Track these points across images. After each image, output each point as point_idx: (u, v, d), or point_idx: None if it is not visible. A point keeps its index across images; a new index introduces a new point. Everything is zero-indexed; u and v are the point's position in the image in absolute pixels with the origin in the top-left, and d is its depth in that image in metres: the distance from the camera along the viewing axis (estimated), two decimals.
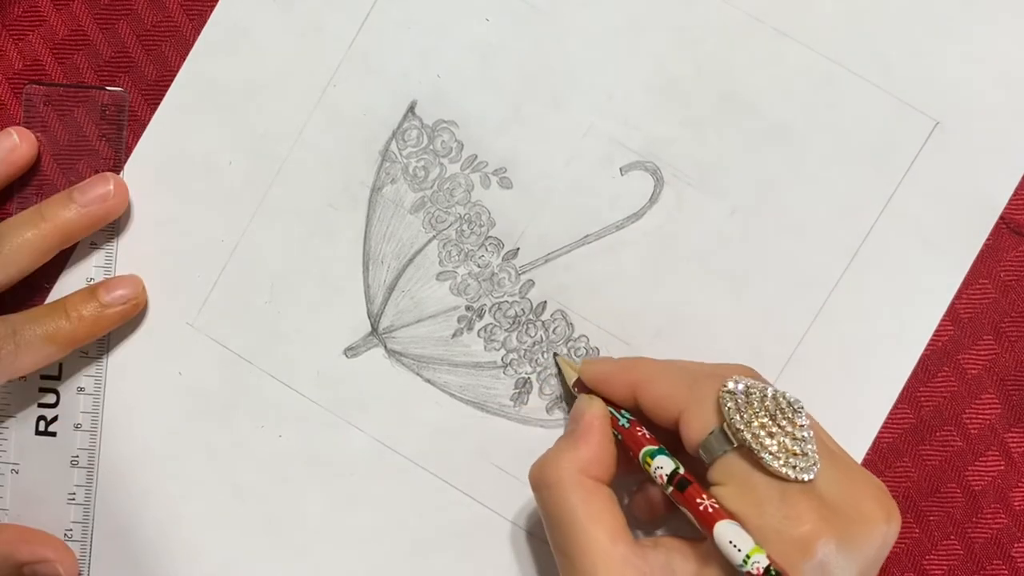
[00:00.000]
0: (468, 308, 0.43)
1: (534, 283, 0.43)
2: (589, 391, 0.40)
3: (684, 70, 0.43)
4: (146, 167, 0.44)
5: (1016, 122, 0.42)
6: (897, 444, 0.43)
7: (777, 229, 0.43)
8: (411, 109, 0.43)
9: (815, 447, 0.35)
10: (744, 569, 0.33)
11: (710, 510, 0.35)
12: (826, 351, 0.43)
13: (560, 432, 0.43)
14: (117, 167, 0.44)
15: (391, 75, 0.43)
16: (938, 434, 0.43)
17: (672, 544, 0.36)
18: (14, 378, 0.42)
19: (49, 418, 0.44)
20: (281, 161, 0.43)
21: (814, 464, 0.35)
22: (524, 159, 0.43)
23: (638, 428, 0.39)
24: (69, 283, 0.43)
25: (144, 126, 0.44)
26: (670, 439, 0.38)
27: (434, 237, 0.43)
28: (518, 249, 0.43)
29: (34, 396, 0.44)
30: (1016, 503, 0.43)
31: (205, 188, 0.44)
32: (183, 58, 0.44)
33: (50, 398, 0.44)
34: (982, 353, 0.43)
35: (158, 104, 0.44)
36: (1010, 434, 0.43)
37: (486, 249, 0.43)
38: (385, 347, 0.43)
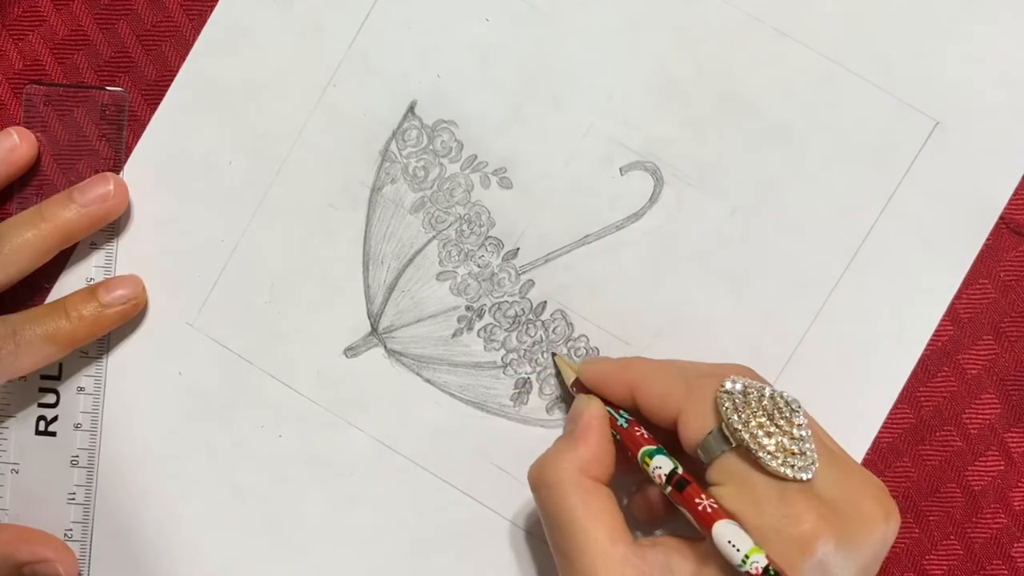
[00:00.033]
0: (468, 308, 0.43)
1: (534, 283, 0.43)
2: (588, 391, 0.40)
3: (684, 70, 0.43)
4: (146, 167, 0.44)
5: (1016, 122, 0.42)
6: (897, 444, 0.43)
7: (777, 229, 0.43)
8: (411, 109, 0.43)
9: (813, 446, 0.35)
10: (743, 569, 0.33)
11: (709, 510, 0.35)
12: (826, 351, 0.43)
13: (560, 432, 0.43)
14: (117, 167, 0.44)
15: (391, 75, 0.43)
16: (938, 434, 0.43)
17: (671, 544, 0.36)
18: (14, 378, 0.42)
19: (49, 418, 0.44)
20: (281, 161, 0.43)
21: (812, 463, 0.35)
22: (524, 159, 0.43)
23: (636, 428, 0.39)
24: (69, 283, 0.44)
25: (144, 126, 0.44)
26: (668, 439, 0.38)
27: (434, 237, 0.43)
28: (518, 249, 0.43)
29: (34, 396, 0.44)
30: (1016, 503, 0.43)
31: (205, 188, 0.44)
32: (183, 58, 0.44)
33: (50, 398, 0.44)
34: (982, 353, 0.43)
35: (158, 104, 0.44)
36: (1010, 434, 0.43)
37: (486, 249, 0.43)
38: (385, 347, 0.43)
